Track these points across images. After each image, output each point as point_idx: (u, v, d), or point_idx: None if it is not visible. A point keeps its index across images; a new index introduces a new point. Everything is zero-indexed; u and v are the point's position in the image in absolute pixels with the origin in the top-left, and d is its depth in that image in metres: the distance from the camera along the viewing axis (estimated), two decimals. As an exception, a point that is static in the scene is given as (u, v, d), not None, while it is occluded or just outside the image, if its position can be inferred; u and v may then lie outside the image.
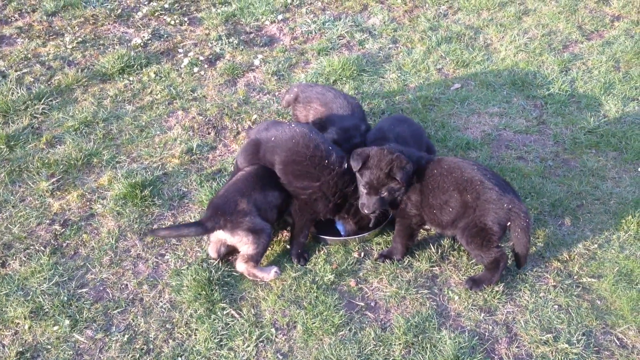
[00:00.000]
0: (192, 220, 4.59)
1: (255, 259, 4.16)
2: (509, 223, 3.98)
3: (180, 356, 3.76)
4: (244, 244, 4.14)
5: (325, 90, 5.15)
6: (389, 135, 4.64)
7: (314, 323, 3.94)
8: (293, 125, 4.56)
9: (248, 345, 3.82)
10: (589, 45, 6.75)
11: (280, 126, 4.57)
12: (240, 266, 4.19)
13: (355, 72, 6.24)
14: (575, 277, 4.27)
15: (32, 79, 6.05)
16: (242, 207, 4.16)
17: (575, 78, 6.22)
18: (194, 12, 7.28)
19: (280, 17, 7.16)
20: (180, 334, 3.90)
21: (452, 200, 4.07)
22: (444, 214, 4.12)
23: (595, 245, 4.49)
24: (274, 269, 4.24)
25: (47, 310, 4.00)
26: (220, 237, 4.18)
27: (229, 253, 4.35)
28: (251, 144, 4.56)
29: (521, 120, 5.72)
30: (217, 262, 4.29)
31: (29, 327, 3.90)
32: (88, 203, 4.79)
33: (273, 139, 4.44)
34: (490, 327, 3.95)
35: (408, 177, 4.11)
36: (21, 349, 3.77)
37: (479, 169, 4.11)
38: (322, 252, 4.44)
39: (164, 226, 4.52)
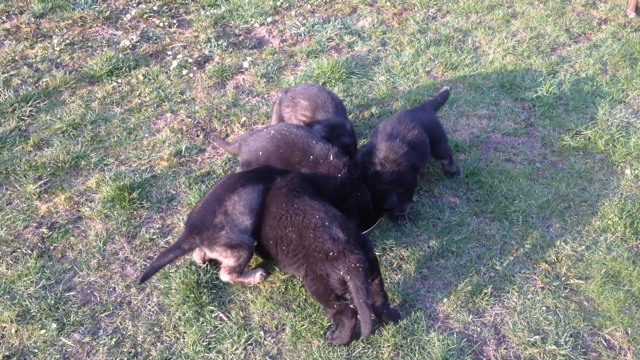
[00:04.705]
0: (172, 243, 4.39)
1: (237, 271, 4.09)
2: (341, 272, 3.61)
3: (169, 359, 3.74)
4: (224, 258, 4.07)
5: (308, 86, 5.28)
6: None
7: (303, 326, 3.93)
8: (272, 131, 4.60)
9: (237, 348, 3.81)
10: (577, 48, 6.80)
11: (259, 137, 4.60)
12: (224, 277, 4.15)
13: (344, 74, 6.25)
14: (563, 278, 4.29)
15: (19, 81, 6.01)
16: (218, 220, 4.00)
17: (563, 81, 6.26)
18: (183, 14, 7.27)
19: (269, 19, 7.16)
20: (169, 337, 3.88)
21: (288, 239, 3.86)
22: (279, 252, 3.94)
23: (583, 247, 4.52)
24: (259, 271, 4.22)
25: (34, 313, 3.96)
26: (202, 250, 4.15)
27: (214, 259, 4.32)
28: (244, 167, 4.64)
29: (509, 123, 5.75)
30: (205, 265, 4.28)
31: (16, 331, 3.86)
32: (76, 206, 4.76)
33: (261, 153, 4.55)
34: (479, 329, 3.96)
35: None
36: (7, 353, 3.73)
37: (324, 214, 3.85)
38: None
39: (145, 269, 4.18)
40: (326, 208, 3.93)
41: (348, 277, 3.58)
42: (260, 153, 4.55)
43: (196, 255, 4.28)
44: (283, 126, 4.67)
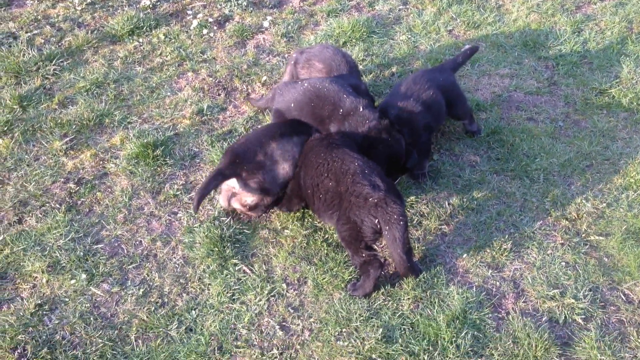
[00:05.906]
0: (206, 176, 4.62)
1: (251, 209, 4.29)
2: (376, 220, 3.73)
3: (194, 309, 3.85)
4: (249, 197, 4.21)
5: (323, 47, 5.26)
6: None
7: (324, 279, 4.01)
8: (306, 84, 4.65)
9: (260, 300, 3.91)
10: (602, 6, 6.67)
11: (294, 89, 4.68)
12: (236, 205, 4.32)
13: (365, 33, 6.21)
14: (583, 235, 4.31)
15: (42, 41, 6.06)
16: (259, 159, 4.18)
17: (587, 39, 6.16)
18: (203, -27, 7.22)
19: (289, -22, 7.10)
20: (194, 288, 3.99)
21: (324, 187, 3.97)
22: (315, 200, 4.06)
23: (604, 204, 4.52)
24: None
25: (64, 264, 4.09)
26: (231, 184, 4.23)
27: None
28: (275, 116, 4.74)
29: (532, 82, 5.69)
30: (228, 220, 4.36)
31: (47, 281, 4.00)
32: (101, 162, 4.85)
33: (292, 105, 4.60)
34: (498, 283, 4.01)
35: None
36: (39, 302, 3.87)
37: (363, 163, 3.94)
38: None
39: (192, 197, 4.52)
40: (365, 159, 4.03)
41: (387, 227, 3.69)
42: (292, 105, 4.60)
43: (222, 197, 4.36)
44: (317, 80, 4.68)
